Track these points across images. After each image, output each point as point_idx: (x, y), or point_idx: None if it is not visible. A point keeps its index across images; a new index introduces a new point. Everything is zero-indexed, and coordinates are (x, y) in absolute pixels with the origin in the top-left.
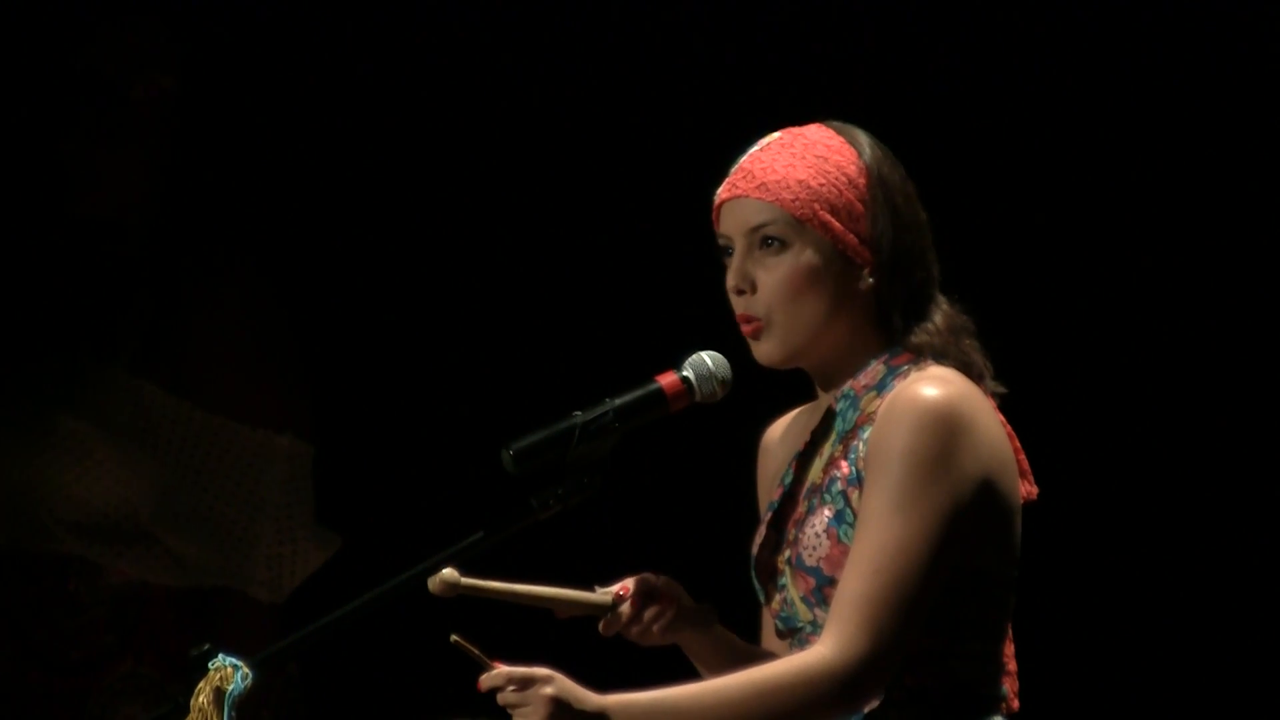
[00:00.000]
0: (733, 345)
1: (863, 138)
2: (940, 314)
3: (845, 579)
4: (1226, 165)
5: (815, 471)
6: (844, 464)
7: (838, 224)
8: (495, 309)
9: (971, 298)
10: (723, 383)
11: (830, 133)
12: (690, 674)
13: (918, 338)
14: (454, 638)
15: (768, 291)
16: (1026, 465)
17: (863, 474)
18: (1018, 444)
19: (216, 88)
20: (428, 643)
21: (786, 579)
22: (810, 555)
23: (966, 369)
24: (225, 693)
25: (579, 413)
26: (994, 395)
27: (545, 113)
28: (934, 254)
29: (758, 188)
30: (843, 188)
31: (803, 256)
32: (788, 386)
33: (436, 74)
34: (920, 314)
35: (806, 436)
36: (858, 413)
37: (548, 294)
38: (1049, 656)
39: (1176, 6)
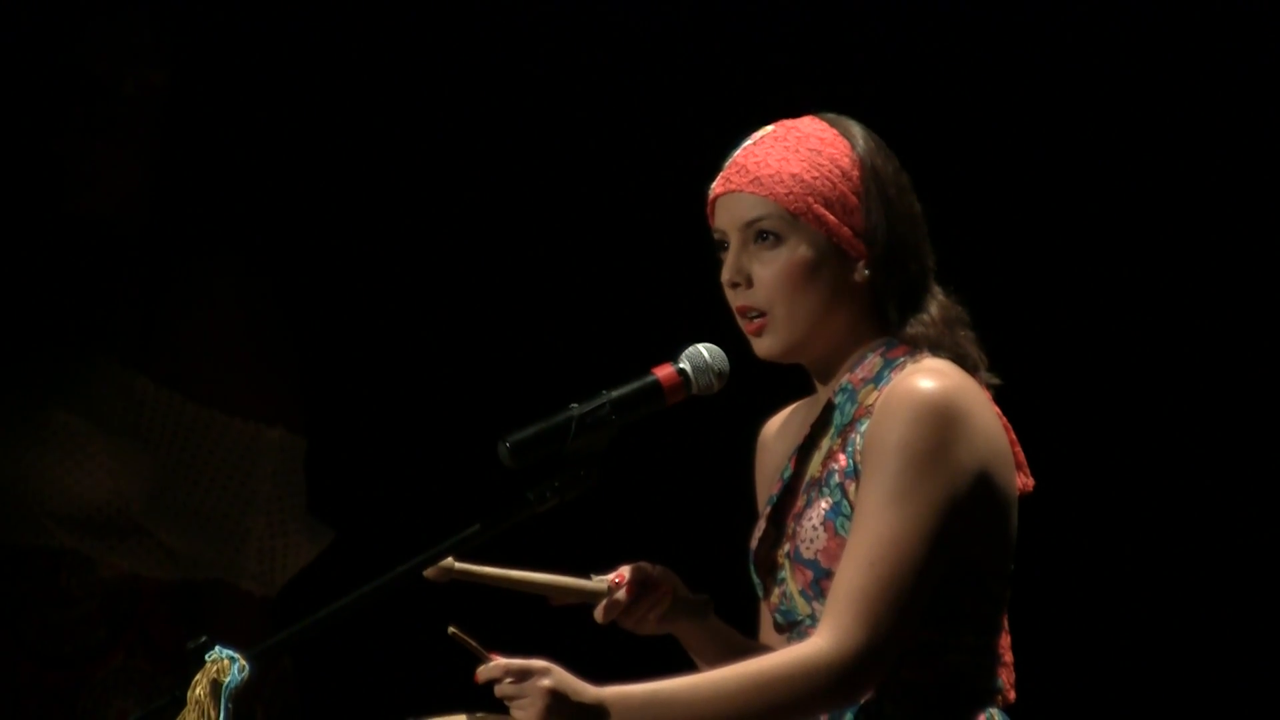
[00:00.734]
0: (729, 338)
1: (856, 129)
2: (936, 305)
3: (841, 571)
4: (1219, 156)
5: (814, 465)
6: (841, 457)
7: (832, 217)
8: (490, 301)
9: (965, 289)
10: (719, 375)
11: (824, 125)
12: (687, 667)
13: (913, 329)
14: (451, 630)
15: (764, 286)
16: (1022, 457)
17: (860, 467)
18: (1013, 436)
19: (207, 83)
20: (424, 635)
21: (785, 573)
22: (808, 548)
23: (962, 361)
24: (222, 685)
25: (575, 405)
26: (989, 387)
27: (540, 105)
28: (929, 245)
29: (752, 182)
30: (836, 180)
31: (798, 250)
32: (784, 381)
33: (429, 67)
34: (916, 305)
35: (805, 431)
36: (855, 406)
37: (543, 286)
38: (1045, 649)
39: None
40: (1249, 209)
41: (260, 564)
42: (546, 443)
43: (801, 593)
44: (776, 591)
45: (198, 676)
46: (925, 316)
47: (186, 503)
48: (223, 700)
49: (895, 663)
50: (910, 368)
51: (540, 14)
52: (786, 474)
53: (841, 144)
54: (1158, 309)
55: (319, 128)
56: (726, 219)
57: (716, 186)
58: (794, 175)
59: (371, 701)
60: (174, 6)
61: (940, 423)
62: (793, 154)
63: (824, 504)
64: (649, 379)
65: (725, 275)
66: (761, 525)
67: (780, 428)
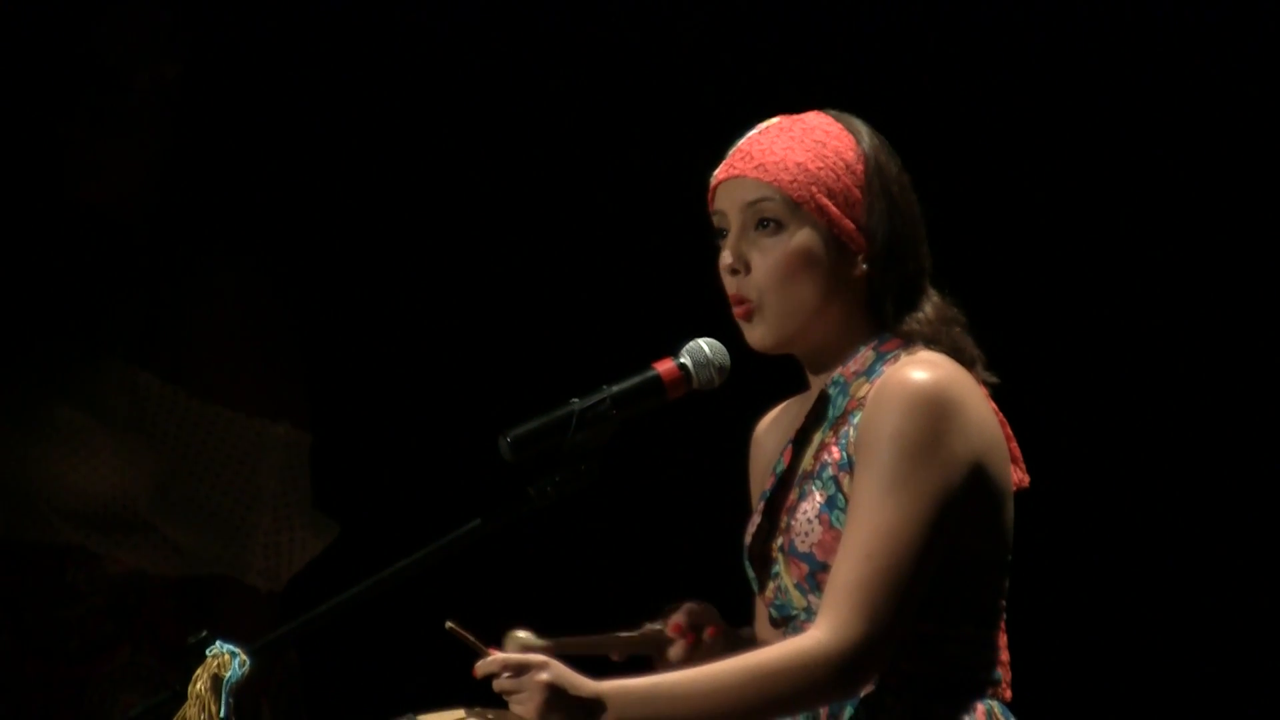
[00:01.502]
0: (730, 333)
1: (861, 126)
2: (931, 305)
3: (838, 564)
4: (1211, 151)
5: (807, 459)
6: (835, 449)
7: (834, 209)
8: (493, 297)
9: (961, 290)
10: (720, 370)
11: (829, 119)
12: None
13: (908, 325)
14: (449, 624)
15: (761, 273)
16: (1018, 453)
17: (853, 459)
18: (1009, 431)
19: (219, 78)
20: (425, 630)
21: (780, 566)
22: (803, 541)
23: (957, 354)
24: (223, 680)
25: (576, 400)
26: (985, 385)
27: (543, 101)
28: (927, 245)
29: (756, 168)
30: (841, 173)
31: (798, 239)
32: (781, 377)
33: (436, 63)
34: (912, 304)
35: (798, 425)
36: (847, 399)
37: (546, 282)
38: (1043, 648)
39: None
40: (1241, 204)
41: (266, 559)
42: (547, 437)
43: (796, 586)
44: (771, 585)
45: (199, 671)
46: (921, 315)
47: (192, 498)
48: (224, 694)
49: (895, 654)
50: (904, 359)
51: (546, 12)
52: (779, 468)
53: (847, 138)
54: (1151, 308)
55: (327, 125)
56: (727, 201)
57: (719, 173)
58: (799, 164)
59: (371, 697)
60: (189, 1)
61: (934, 413)
62: (798, 144)
63: (818, 497)
64: (650, 374)
65: (724, 260)
66: (755, 519)
67: (772, 423)
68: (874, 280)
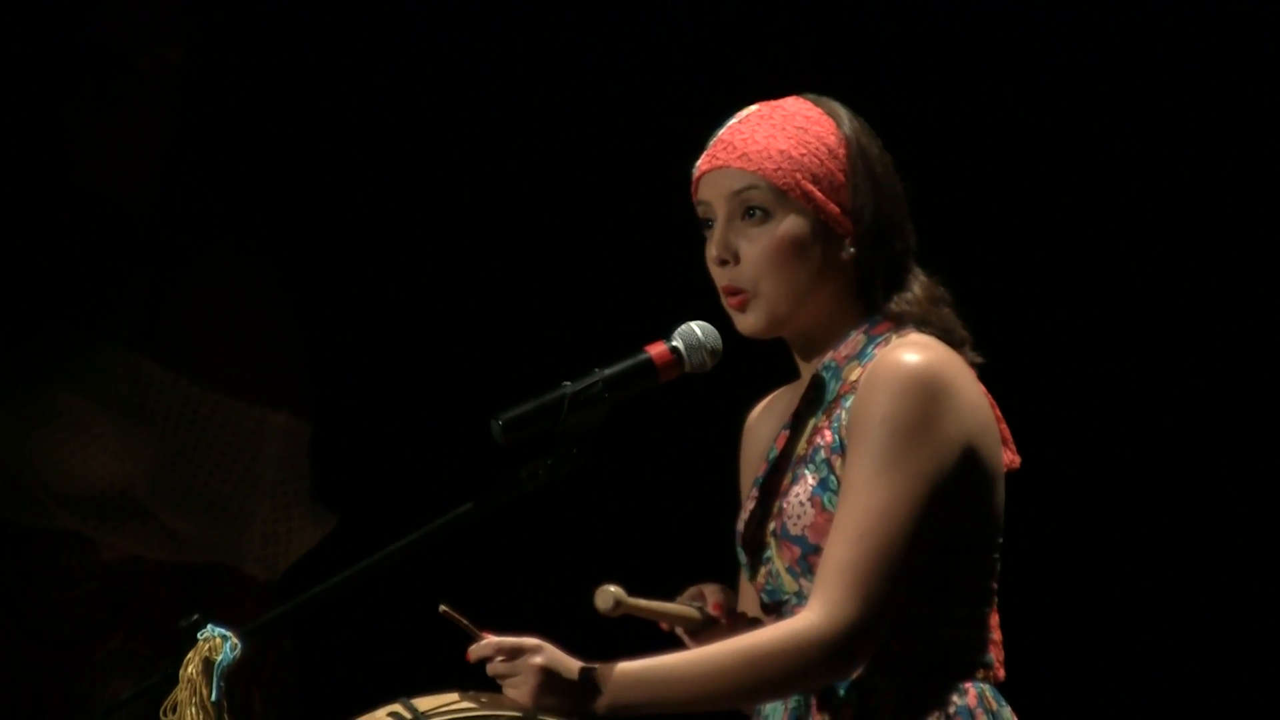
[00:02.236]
0: (720, 319)
1: (840, 110)
2: (919, 284)
3: (830, 545)
4: (1194, 139)
5: (801, 443)
6: (827, 433)
7: (820, 194)
8: (487, 283)
9: (945, 270)
10: (712, 353)
11: (808, 104)
12: (676, 644)
13: (898, 306)
14: (443, 608)
15: (751, 262)
16: (1009, 434)
17: (846, 442)
18: (999, 412)
19: (223, 64)
20: (419, 615)
21: (772, 551)
22: (795, 524)
23: (947, 336)
24: (214, 663)
25: (568, 383)
26: (972, 365)
27: (533, 96)
28: (911, 225)
29: (739, 157)
30: (824, 158)
31: (786, 226)
32: (772, 365)
33: (436, 57)
34: (900, 284)
35: (791, 411)
36: (840, 383)
37: (540, 268)
38: (1034, 628)
39: None
40: (1218, 189)
41: (263, 548)
42: (539, 420)
43: (789, 569)
44: (763, 570)
45: (190, 655)
46: (909, 295)
47: (190, 485)
48: (215, 678)
49: (887, 636)
50: (895, 341)
51: (531, 8)
52: (772, 454)
53: (827, 122)
54: (1137, 288)
55: (331, 114)
56: (712, 192)
57: (702, 164)
58: (782, 151)
59: (365, 683)
60: None
61: (926, 395)
62: (780, 131)
63: (810, 480)
64: (642, 356)
65: (712, 251)
66: (749, 506)
67: (765, 412)
68: (862, 262)
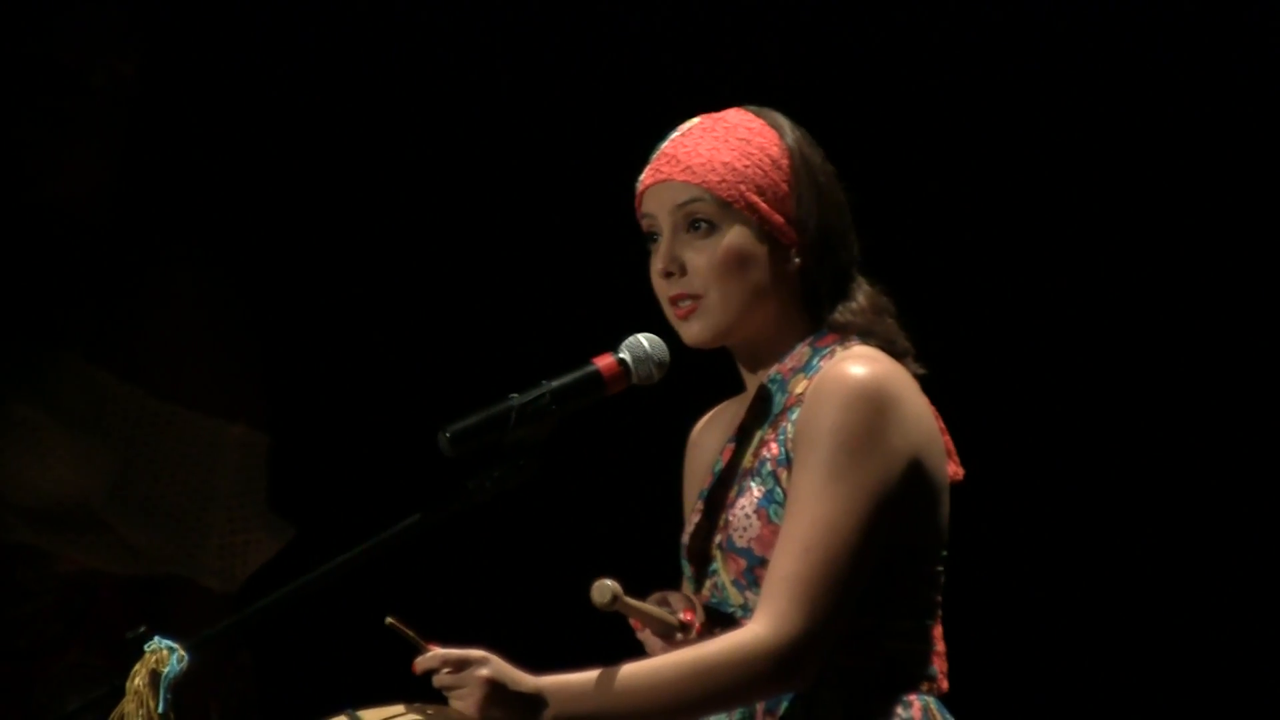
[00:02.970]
0: (668, 332)
1: (783, 120)
2: (863, 293)
3: (776, 558)
4: (1134, 151)
5: (747, 456)
6: (774, 445)
7: (764, 205)
8: (440, 296)
9: (886, 279)
10: (660, 365)
11: (750, 116)
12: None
13: (842, 316)
14: (389, 620)
15: (697, 273)
16: (952, 446)
17: (792, 455)
18: (942, 424)
19: (176, 77)
20: (367, 627)
21: (718, 564)
22: (741, 536)
23: (890, 347)
24: (161, 675)
25: (516, 395)
26: (915, 376)
27: (481, 112)
28: (855, 234)
29: (683, 170)
30: (768, 169)
31: (730, 238)
32: (717, 378)
33: (386, 67)
34: (844, 293)
35: (736, 424)
36: (786, 395)
37: (490, 282)
38: (978, 639)
39: None
40: (1160, 199)
41: (221, 560)
42: (486, 432)
43: (734, 582)
44: (709, 583)
45: (136, 667)
46: (854, 304)
47: (148, 497)
48: (162, 690)
49: (832, 649)
50: (840, 354)
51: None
52: (718, 467)
53: (770, 133)
54: (1078, 300)
55: (285, 125)
56: (657, 205)
57: (646, 178)
58: (725, 163)
59: (316, 693)
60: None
61: (872, 408)
62: (722, 143)
63: (756, 492)
64: (589, 368)
65: (658, 265)
66: (694, 519)
67: (710, 424)
68: (807, 272)
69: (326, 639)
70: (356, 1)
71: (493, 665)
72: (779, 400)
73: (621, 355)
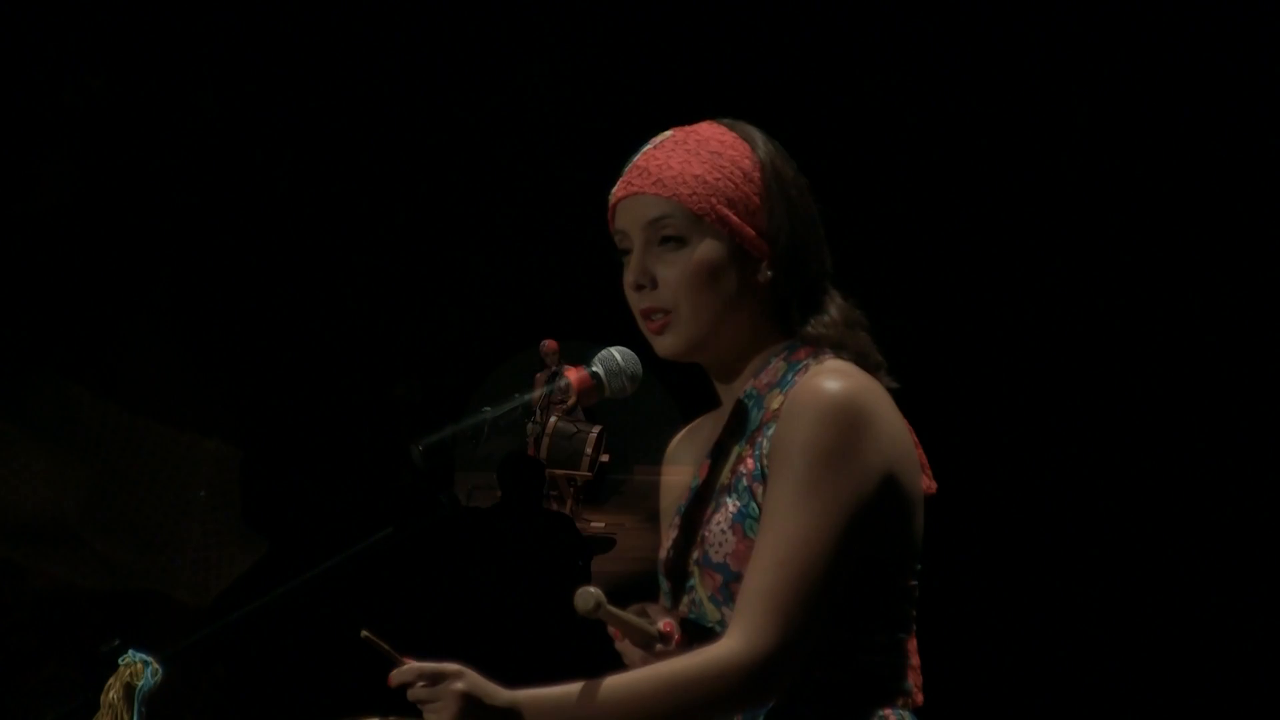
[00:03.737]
0: (641, 345)
1: (755, 134)
2: (835, 306)
3: (750, 572)
4: (1096, 164)
5: (724, 472)
6: (750, 461)
7: (735, 218)
8: (415, 312)
9: (858, 292)
10: (632, 379)
11: (722, 129)
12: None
13: (814, 329)
14: (364, 634)
15: (668, 286)
16: (925, 460)
17: (767, 469)
18: (916, 438)
19: (147, 91)
20: (341, 641)
21: (695, 579)
22: (717, 552)
23: (863, 360)
24: (135, 688)
25: (488, 409)
26: (888, 389)
27: (441, 127)
28: (826, 247)
29: (654, 184)
30: (739, 182)
31: (702, 251)
32: (694, 393)
33: (359, 84)
34: (816, 306)
35: (713, 440)
36: (762, 411)
37: (466, 298)
38: (952, 654)
39: None
40: (1126, 211)
41: (195, 574)
42: (459, 446)
43: (711, 598)
44: (686, 599)
45: (111, 680)
46: (826, 317)
47: (122, 512)
48: (135, 703)
49: (807, 663)
50: (814, 369)
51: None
52: (695, 483)
53: (742, 146)
54: (1048, 316)
55: (256, 140)
56: (628, 219)
57: (618, 191)
58: (697, 176)
59: (288, 706)
60: (115, 15)
61: (846, 422)
62: (694, 156)
63: (732, 507)
64: (561, 382)
65: (629, 278)
66: (671, 534)
67: (686, 441)
68: (778, 285)
69: (300, 652)
70: (323, 15)
71: (468, 679)
72: (755, 416)
73: (594, 368)
